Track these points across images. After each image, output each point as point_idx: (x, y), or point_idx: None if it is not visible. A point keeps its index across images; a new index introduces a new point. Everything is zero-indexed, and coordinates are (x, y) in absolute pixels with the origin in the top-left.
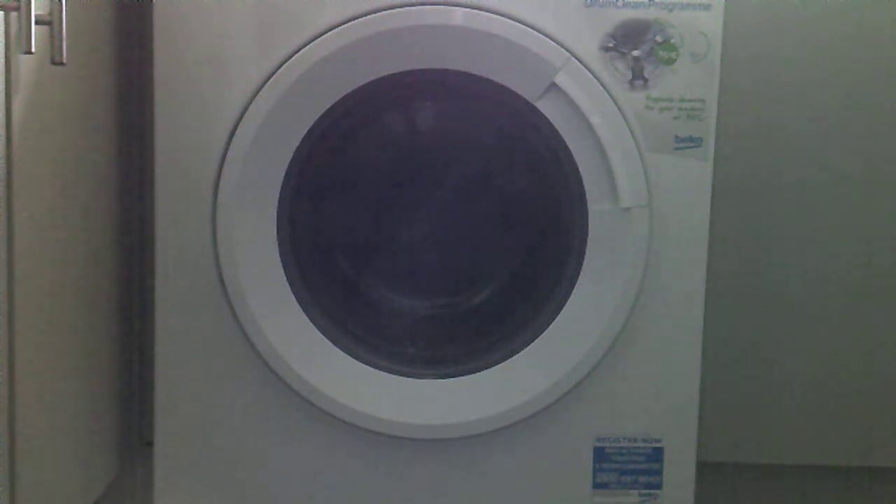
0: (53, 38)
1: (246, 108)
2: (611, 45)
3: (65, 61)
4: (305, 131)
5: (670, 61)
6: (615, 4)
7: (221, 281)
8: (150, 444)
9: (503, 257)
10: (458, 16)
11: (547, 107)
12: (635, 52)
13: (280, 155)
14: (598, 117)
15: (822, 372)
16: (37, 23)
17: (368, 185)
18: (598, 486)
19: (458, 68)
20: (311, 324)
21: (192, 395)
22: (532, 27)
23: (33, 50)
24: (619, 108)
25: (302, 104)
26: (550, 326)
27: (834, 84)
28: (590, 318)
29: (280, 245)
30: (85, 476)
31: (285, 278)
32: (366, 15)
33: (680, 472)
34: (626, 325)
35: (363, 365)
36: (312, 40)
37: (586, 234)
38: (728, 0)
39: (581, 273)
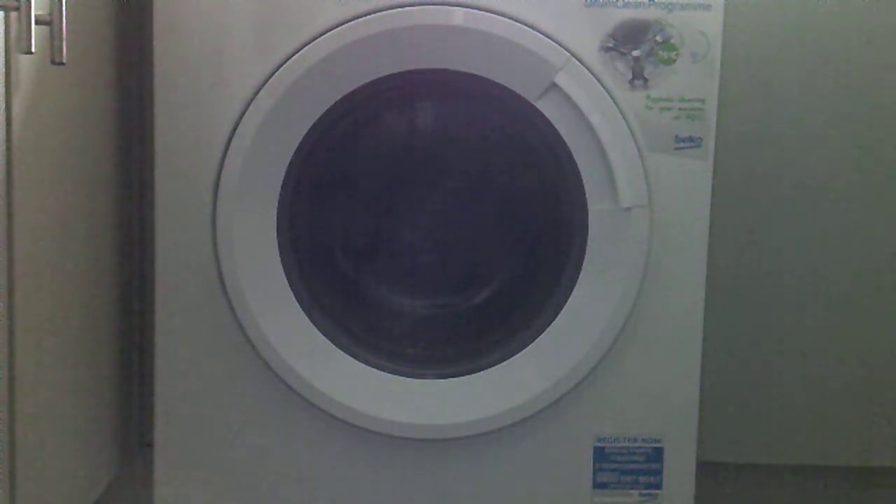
0: (53, 38)
1: (246, 108)
2: (611, 45)
3: (65, 61)
4: (305, 131)
5: (670, 61)
6: (615, 4)
7: (221, 281)
8: (150, 444)
9: (503, 257)
10: (458, 16)
11: (547, 107)
12: (635, 52)
13: (280, 155)
14: (598, 117)
15: (821, 372)
16: (37, 23)
17: (368, 185)
18: (598, 486)
19: (458, 68)
20: (311, 324)
21: (192, 395)
22: (532, 27)
23: (33, 50)
24: (619, 108)
25: (302, 104)
26: (550, 326)
27: (834, 84)
28: (590, 318)
29: (280, 245)
30: (85, 476)
31: (285, 278)
32: (366, 15)
33: (680, 472)
34: (626, 325)
35: (363, 365)
36: (312, 40)
37: (586, 234)
38: (728, 0)
39: (581, 273)
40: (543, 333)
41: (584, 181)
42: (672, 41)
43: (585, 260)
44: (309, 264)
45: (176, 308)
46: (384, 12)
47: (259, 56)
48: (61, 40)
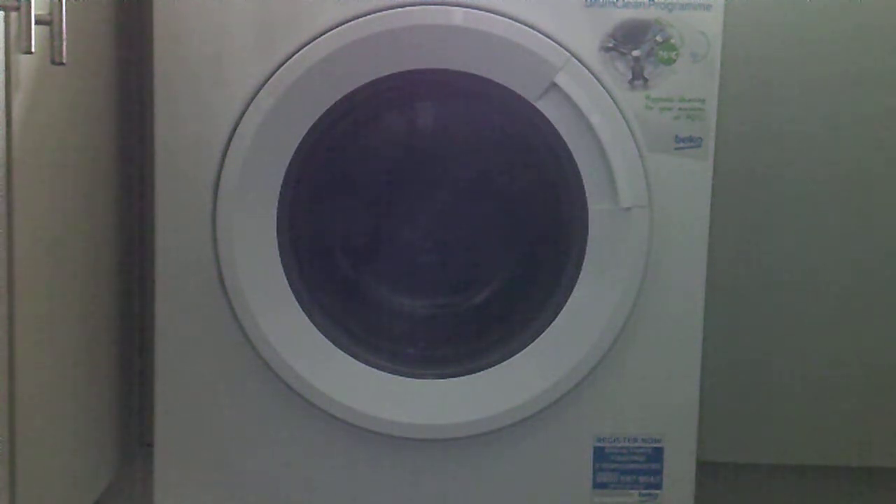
0: (53, 38)
1: (246, 108)
2: (611, 45)
3: (65, 61)
4: (305, 131)
5: (670, 61)
6: (615, 4)
7: (221, 281)
8: (150, 444)
9: (503, 257)
10: (458, 16)
11: (547, 107)
12: (635, 52)
13: (280, 155)
14: (598, 117)
15: (821, 372)
16: (37, 23)
17: (368, 185)
18: (598, 486)
19: (458, 68)
20: (311, 324)
21: (192, 396)
22: (532, 27)
23: (33, 50)
24: (619, 108)
25: (302, 104)
26: (550, 326)
27: (834, 84)
28: (590, 318)
29: (280, 245)
30: (85, 476)
31: (285, 278)
32: (366, 15)
33: (680, 472)
34: (626, 325)
35: (363, 365)
36: (312, 40)
37: (586, 234)
38: (728, 0)
39: (581, 273)
40: (543, 333)
41: (584, 181)
42: (672, 41)
43: (585, 260)
44: (309, 264)
45: (176, 308)
46: (384, 12)
47: (259, 56)
48: (61, 40)
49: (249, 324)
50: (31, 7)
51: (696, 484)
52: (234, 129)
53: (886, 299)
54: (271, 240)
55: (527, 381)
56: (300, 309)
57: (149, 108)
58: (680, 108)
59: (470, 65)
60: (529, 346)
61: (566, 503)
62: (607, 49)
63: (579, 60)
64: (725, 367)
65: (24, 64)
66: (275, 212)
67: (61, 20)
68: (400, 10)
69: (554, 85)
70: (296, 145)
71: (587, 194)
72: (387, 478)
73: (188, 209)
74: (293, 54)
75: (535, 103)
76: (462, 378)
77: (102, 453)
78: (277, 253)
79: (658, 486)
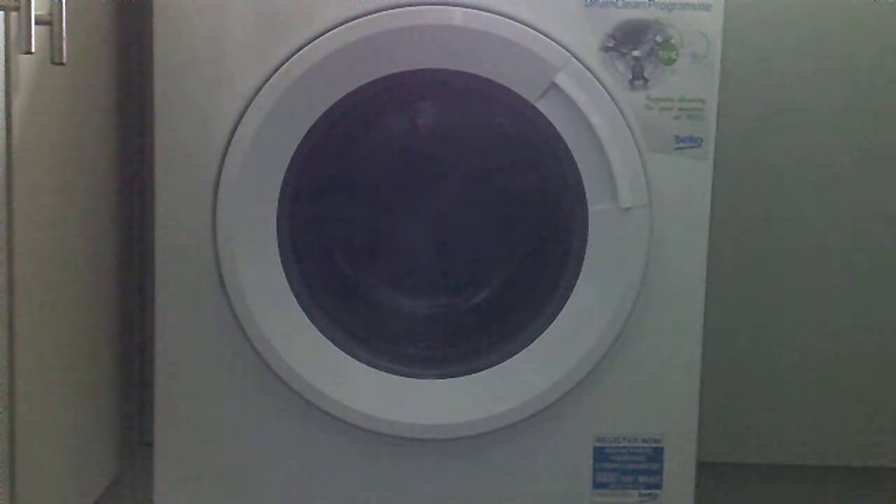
0: (53, 38)
1: (246, 108)
2: (611, 45)
3: (65, 61)
4: (305, 131)
5: (670, 61)
6: (615, 4)
7: (221, 281)
8: (150, 444)
9: (503, 257)
10: (458, 16)
11: (547, 107)
12: (635, 52)
13: (280, 155)
14: (598, 117)
15: (822, 371)
16: (37, 23)
17: (368, 185)
18: (598, 486)
19: (458, 68)
20: (311, 324)
21: (192, 395)
22: (532, 27)
23: (33, 50)
24: (619, 108)
25: (302, 104)
26: (550, 326)
27: (835, 84)
28: (590, 318)
29: (280, 245)
30: (85, 476)
31: (285, 278)
32: (366, 15)
33: (680, 472)
34: (626, 325)
35: (364, 365)
36: (312, 40)
37: (586, 234)
38: (728, 0)
39: (581, 273)
40: (543, 333)
41: (584, 181)
42: (672, 41)
43: (585, 260)
44: (309, 264)
45: (176, 308)
46: (384, 12)
47: (259, 56)
48: (61, 40)
49: (249, 324)
50: (31, 7)
51: (696, 484)
52: (234, 129)
53: (887, 299)
54: (271, 240)
55: (527, 381)
56: (300, 309)
57: (149, 108)
58: (680, 108)
59: (470, 65)
60: (529, 346)
61: (566, 503)
62: (607, 49)
63: (579, 60)
64: (725, 367)
65: (24, 64)
66: (275, 212)
67: (61, 20)
68: (400, 10)
69: (554, 85)
70: (296, 145)
71: (587, 194)
72: (387, 478)
73: (188, 209)
74: (293, 54)
75: (535, 103)
76: (462, 378)
77: (102, 453)
78: (277, 253)
79: (658, 486)
